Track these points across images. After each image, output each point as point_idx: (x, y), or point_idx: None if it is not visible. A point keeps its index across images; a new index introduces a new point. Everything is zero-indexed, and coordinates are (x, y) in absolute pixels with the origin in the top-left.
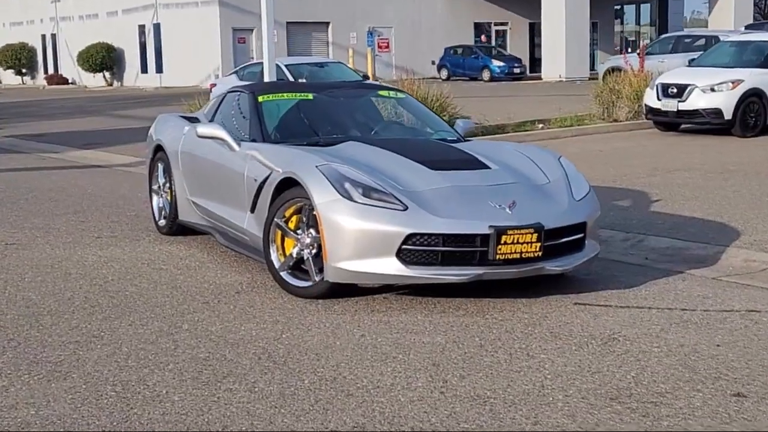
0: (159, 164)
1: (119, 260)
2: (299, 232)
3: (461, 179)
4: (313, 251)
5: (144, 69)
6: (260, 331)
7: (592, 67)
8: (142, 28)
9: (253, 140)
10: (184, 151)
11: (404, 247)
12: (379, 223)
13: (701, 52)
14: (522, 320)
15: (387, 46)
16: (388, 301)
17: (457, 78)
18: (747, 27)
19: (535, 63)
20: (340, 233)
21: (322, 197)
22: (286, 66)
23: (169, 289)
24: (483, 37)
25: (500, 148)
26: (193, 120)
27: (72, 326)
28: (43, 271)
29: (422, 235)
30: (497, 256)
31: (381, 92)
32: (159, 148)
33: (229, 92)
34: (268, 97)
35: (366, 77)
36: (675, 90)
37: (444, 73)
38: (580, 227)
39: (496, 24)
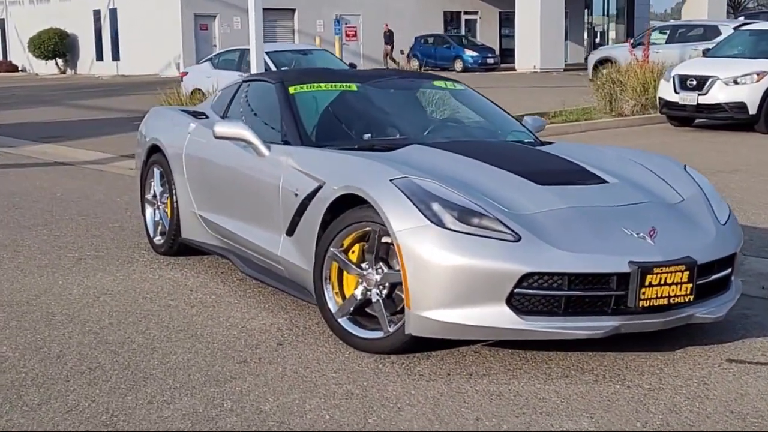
0: (155, 169)
1: (112, 293)
2: (365, 266)
3: (580, 197)
4: (384, 291)
5: (99, 56)
6: (334, 411)
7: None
8: (97, 13)
9: (286, 142)
10: (190, 154)
11: (518, 290)
12: (483, 258)
13: (698, 43)
14: (677, 389)
15: (354, 35)
16: (484, 358)
17: (429, 68)
18: (745, 17)
19: (505, 53)
20: (428, 272)
21: (403, 222)
22: (267, 53)
23: (187, 338)
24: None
25: (602, 155)
26: (199, 115)
27: (69, 406)
28: (18, 312)
29: (542, 274)
30: (639, 303)
31: (436, 82)
32: (155, 149)
33: (244, 81)
34: (302, 88)
35: (353, 66)
36: (694, 82)
37: (415, 63)
38: (729, 260)
39: (465, 13)
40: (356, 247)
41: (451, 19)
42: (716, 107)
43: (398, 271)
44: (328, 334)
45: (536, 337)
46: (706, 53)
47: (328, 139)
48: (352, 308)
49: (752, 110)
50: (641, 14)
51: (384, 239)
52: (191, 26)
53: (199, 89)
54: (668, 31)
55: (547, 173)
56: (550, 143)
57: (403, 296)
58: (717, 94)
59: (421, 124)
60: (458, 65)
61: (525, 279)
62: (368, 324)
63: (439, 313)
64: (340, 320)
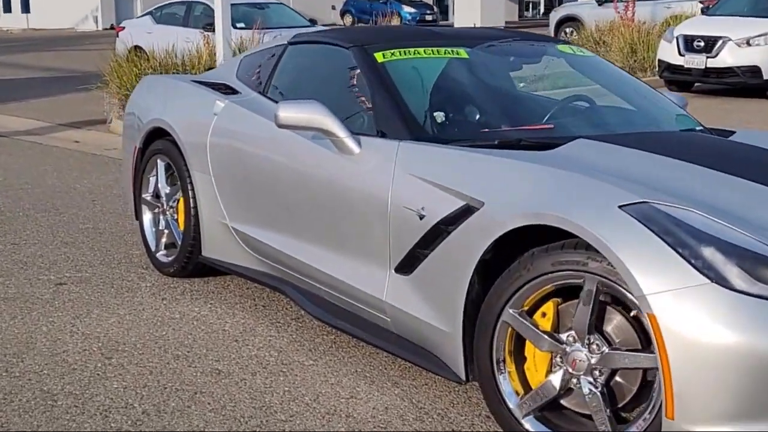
0: (158, 161)
1: (125, 349)
2: (566, 338)
3: None
4: (601, 378)
5: (7, 8)
6: None
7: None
8: None
9: (381, 134)
10: (219, 144)
11: None
12: None
13: (671, 0)
14: None
15: None
16: None
17: (363, 25)
18: None
19: (444, 10)
20: (708, 362)
21: (658, 280)
22: None
23: None
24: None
25: None
26: (225, 90)
27: None
28: None
29: None
30: None
31: (561, 47)
32: (157, 134)
33: (291, 44)
34: (393, 54)
35: (314, 22)
36: (702, 43)
37: (348, 20)
38: None
39: None
40: (548, 307)
41: None
42: (726, 71)
43: (643, 353)
44: None
45: None
46: (705, 11)
47: (449, 131)
48: (541, 402)
49: (766, 74)
50: None
51: (601, 297)
52: None
53: (139, 47)
54: None
55: None
56: (732, 131)
57: (655, 396)
58: (727, 57)
59: (562, 105)
60: (395, 22)
61: None
62: (564, 425)
63: (728, 427)
64: (523, 420)
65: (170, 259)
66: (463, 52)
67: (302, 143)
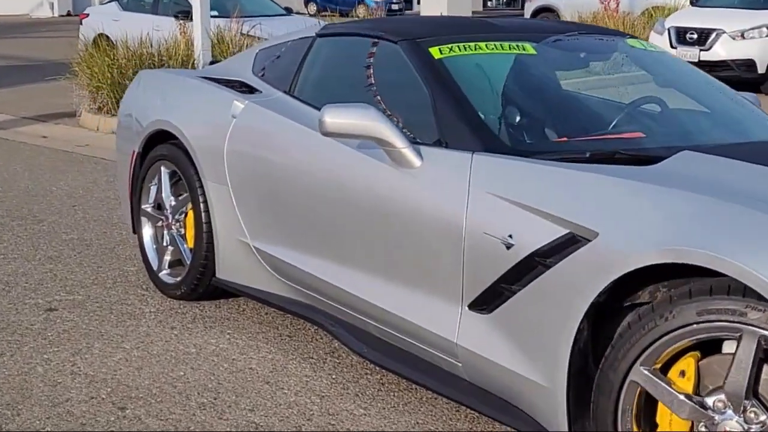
0: (162, 167)
1: (137, 395)
2: (712, 403)
3: None
4: None
5: None
6: None
7: None
8: None
9: (443, 144)
10: (239, 152)
11: None
12: None
13: None
14: None
15: None
16: None
17: (328, 14)
18: None
19: None
20: None
21: None
22: None
23: None
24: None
25: None
26: (241, 88)
27: None
28: None
29: None
30: None
31: (631, 42)
32: (160, 137)
33: (320, 36)
34: (452, 50)
35: (289, 11)
36: (695, 36)
37: (312, 8)
38: None
39: None
40: (686, 364)
41: None
42: (720, 64)
43: None
44: None
45: None
46: (695, 2)
47: (527, 140)
48: None
49: (761, 68)
50: None
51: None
52: None
53: (105, 35)
54: None
55: None
56: None
57: None
58: (721, 50)
59: (645, 111)
60: (361, 10)
61: None
62: None
63: None
64: None
65: (177, 280)
66: (529, 48)
67: (347, 153)
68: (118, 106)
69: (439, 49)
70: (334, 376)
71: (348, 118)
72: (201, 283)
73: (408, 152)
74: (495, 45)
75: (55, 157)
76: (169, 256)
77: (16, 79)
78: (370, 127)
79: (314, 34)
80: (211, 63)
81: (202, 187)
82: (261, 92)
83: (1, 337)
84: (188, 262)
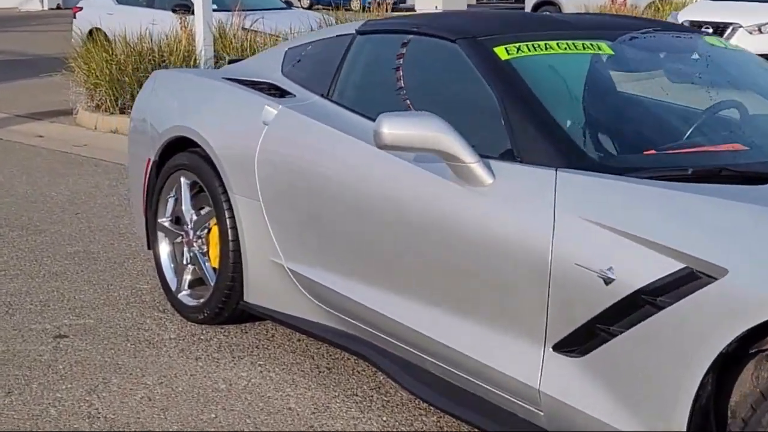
0: (182, 178)
1: None
2: None
3: None
4: None
5: None
6: None
7: None
8: None
9: (517, 158)
10: (272, 162)
11: None
12: None
13: None
14: None
15: None
16: None
17: (322, 7)
18: None
19: None
20: None
21: None
22: None
23: None
24: None
25: None
26: (270, 90)
27: None
28: None
29: None
30: None
31: (710, 40)
32: (180, 144)
33: (361, 33)
34: (521, 50)
35: (289, 5)
36: (711, 30)
37: (306, 2)
38: None
39: None
40: None
41: None
42: None
43: None
44: None
45: None
46: None
47: (618, 155)
48: None
49: None
50: None
51: None
52: None
53: (99, 30)
54: None
55: None
56: None
57: None
58: (738, 45)
59: (727, 118)
60: (356, 4)
61: None
62: None
63: None
64: None
65: (198, 302)
66: (605, 47)
67: (402, 167)
68: (116, 104)
69: (506, 48)
70: (384, 419)
71: (409, 129)
72: (226, 306)
73: (478, 168)
74: (567, 44)
75: (53, 159)
76: (189, 275)
77: (7, 74)
78: (435, 139)
79: (353, 31)
80: (230, 61)
81: (228, 200)
82: (294, 96)
83: (7, 370)
84: (212, 284)
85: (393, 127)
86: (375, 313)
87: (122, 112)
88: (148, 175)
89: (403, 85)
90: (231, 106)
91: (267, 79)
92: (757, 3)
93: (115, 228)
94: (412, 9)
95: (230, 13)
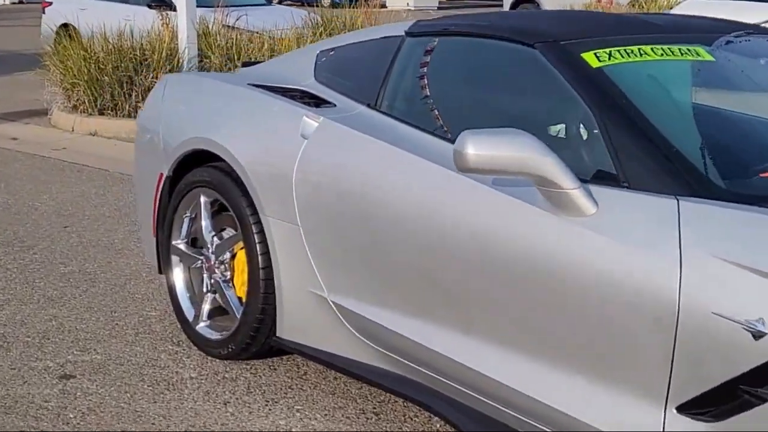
0: (201, 196)
1: None
2: None
3: None
4: None
5: None
6: None
7: None
8: None
9: (623, 184)
10: (312, 182)
11: None
12: None
13: None
14: None
15: None
16: None
17: (292, 2)
18: None
19: None
20: None
21: None
22: None
23: None
24: None
25: None
26: (303, 98)
27: None
28: None
29: None
30: None
31: None
32: (198, 159)
33: (410, 35)
34: (613, 56)
35: (269, 1)
36: None
37: None
38: None
39: None
40: None
41: None
42: None
43: None
44: None
45: None
46: None
47: (743, 180)
48: None
49: None
50: None
51: None
52: None
53: (71, 25)
54: None
55: None
56: None
57: None
58: None
59: None
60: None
61: None
62: None
63: None
64: None
65: (222, 335)
66: (704, 53)
67: (479, 191)
68: (95, 105)
69: (596, 54)
70: None
71: (501, 150)
72: (255, 341)
73: (579, 195)
74: (663, 50)
75: (32, 164)
76: (208, 304)
77: None
78: (531, 161)
79: (402, 33)
80: (244, 64)
81: (258, 222)
82: (334, 105)
83: (11, 421)
84: (238, 315)
85: (480, 148)
86: (444, 358)
87: (101, 113)
88: (159, 192)
89: (465, 95)
90: (261, 116)
91: (298, 86)
92: (750, 2)
93: (110, 244)
94: (384, 6)
95: (212, 9)
